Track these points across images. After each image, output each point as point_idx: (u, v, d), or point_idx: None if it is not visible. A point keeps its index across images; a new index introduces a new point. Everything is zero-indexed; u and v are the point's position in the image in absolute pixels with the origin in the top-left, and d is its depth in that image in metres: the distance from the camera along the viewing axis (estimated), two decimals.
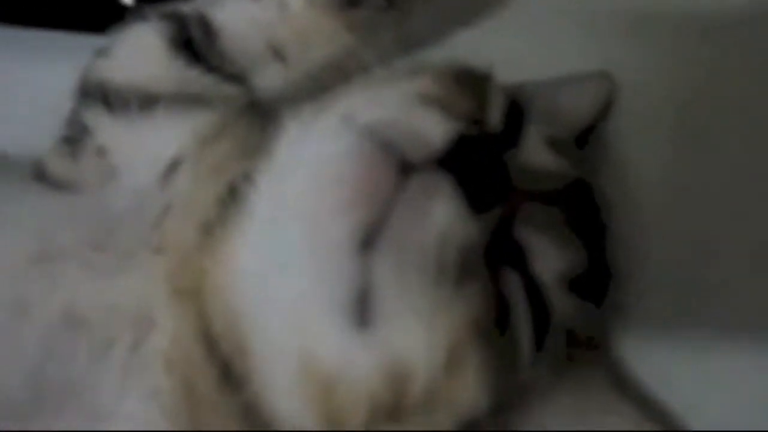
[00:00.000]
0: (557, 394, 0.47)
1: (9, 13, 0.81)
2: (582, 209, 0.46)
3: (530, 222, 0.43)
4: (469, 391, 0.43)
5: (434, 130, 0.42)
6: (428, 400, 0.43)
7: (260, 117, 0.59)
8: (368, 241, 0.41)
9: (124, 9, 0.74)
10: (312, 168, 0.44)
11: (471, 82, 0.46)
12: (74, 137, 0.59)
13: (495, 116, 0.46)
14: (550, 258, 0.44)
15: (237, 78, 0.60)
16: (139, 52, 0.60)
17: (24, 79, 0.77)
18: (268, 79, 0.61)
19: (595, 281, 0.46)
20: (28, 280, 0.50)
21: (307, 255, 0.43)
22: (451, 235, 0.41)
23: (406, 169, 0.41)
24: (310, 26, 0.59)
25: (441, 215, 0.40)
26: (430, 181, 0.41)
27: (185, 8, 0.61)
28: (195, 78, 0.59)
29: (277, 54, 0.60)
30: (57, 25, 0.80)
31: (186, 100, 0.58)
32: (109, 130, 0.58)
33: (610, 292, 0.49)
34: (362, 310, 0.42)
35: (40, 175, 0.59)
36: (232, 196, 0.51)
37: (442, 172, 0.41)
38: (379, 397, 0.43)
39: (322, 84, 0.59)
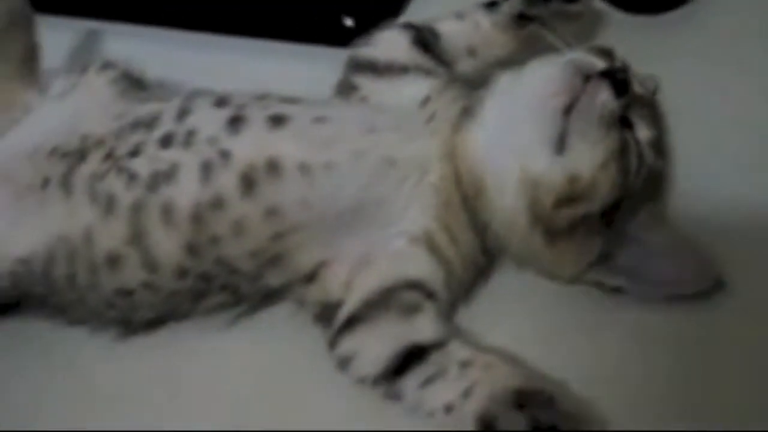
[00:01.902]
0: (635, 204, 0.69)
1: (260, 28, 1.01)
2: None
3: (637, 111, 0.70)
4: (609, 187, 0.65)
5: (598, 62, 0.68)
6: (588, 192, 0.65)
7: (462, 83, 0.79)
8: (567, 110, 0.66)
9: (345, 29, 0.96)
10: (535, 78, 0.69)
11: (606, 50, 0.72)
12: (343, 92, 0.79)
13: (618, 65, 0.70)
14: (645, 130, 0.70)
15: (448, 64, 0.81)
16: (393, 43, 0.80)
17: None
18: (464, 66, 0.83)
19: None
20: (364, 141, 0.70)
21: (533, 118, 0.66)
22: (607, 107, 0.65)
23: (587, 77, 0.66)
24: (492, 38, 0.82)
25: (602, 98, 0.65)
26: (598, 83, 0.66)
27: (417, 22, 0.82)
28: (426, 61, 0.79)
29: (471, 53, 0.82)
30: (291, 38, 0.99)
31: (424, 72, 0.78)
32: (373, 85, 0.77)
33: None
34: (560, 143, 0.65)
35: None
36: (466, 113, 0.72)
37: (603, 79, 0.66)
38: (563, 189, 0.65)
39: (493, 72, 0.77)
